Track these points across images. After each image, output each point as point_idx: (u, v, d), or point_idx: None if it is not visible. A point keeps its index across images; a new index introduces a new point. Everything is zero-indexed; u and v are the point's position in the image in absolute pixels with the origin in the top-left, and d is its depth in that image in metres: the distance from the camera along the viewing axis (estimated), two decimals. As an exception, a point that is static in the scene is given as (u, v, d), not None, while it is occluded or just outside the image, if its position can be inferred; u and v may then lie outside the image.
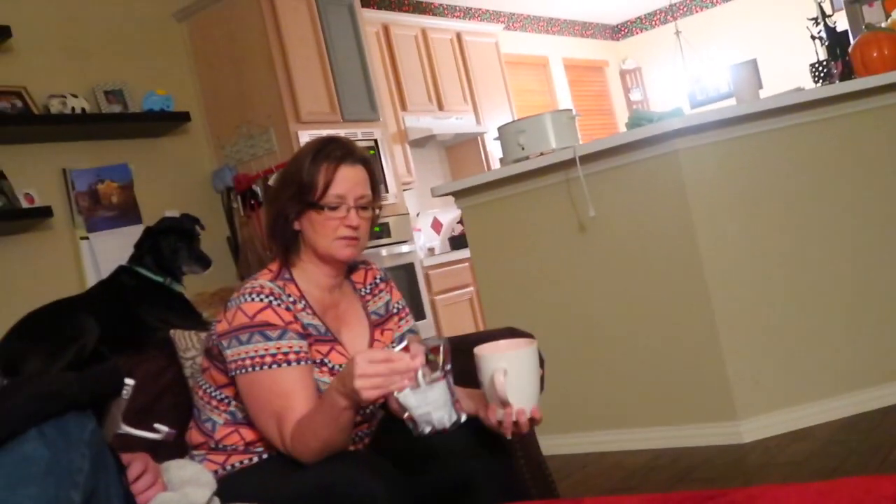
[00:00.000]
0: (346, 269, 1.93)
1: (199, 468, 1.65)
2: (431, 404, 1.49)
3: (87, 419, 1.26)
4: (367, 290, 1.97)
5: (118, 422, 1.42)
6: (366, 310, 1.94)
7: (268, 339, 1.68)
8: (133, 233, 4.33)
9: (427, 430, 1.50)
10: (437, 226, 6.57)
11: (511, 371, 1.56)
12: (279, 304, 1.73)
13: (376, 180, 1.87)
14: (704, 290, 3.22)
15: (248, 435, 1.77)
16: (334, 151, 1.80)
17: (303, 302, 1.80)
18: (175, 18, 5.01)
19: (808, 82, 4.38)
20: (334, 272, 1.87)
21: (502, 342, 1.70)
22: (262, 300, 1.72)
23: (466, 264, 5.62)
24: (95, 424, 1.28)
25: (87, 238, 4.23)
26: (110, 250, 4.21)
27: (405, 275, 5.15)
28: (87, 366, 2.15)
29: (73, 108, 4.21)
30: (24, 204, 3.96)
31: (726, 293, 3.22)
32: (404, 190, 5.71)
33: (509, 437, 1.63)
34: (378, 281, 2.00)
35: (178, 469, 1.60)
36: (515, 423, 1.59)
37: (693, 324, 3.25)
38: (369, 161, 1.86)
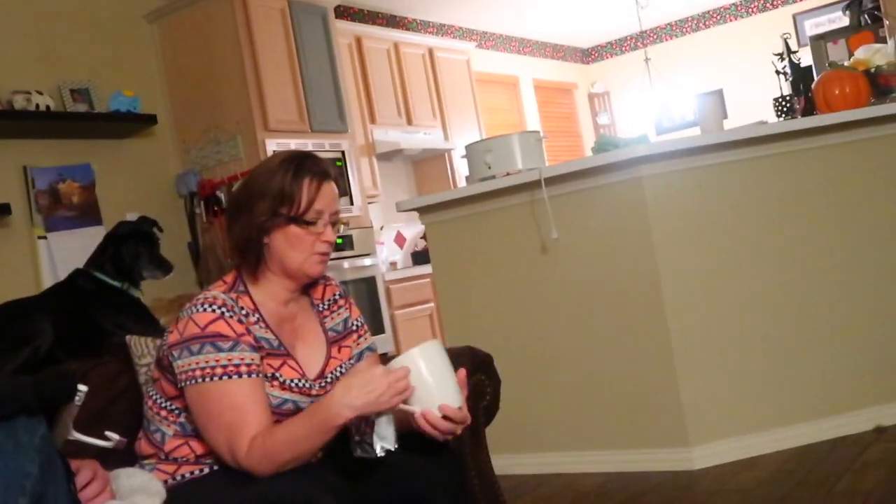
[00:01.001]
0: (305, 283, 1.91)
1: (149, 477, 1.64)
2: (387, 427, 1.60)
3: (37, 424, 1.24)
4: (325, 307, 1.96)
5: (69, 428, 1.40)
6: (322, 326, 1.92)
7: (219, 350, 1.67)
8: (92, 234, 4.32)
9: (378, 451, 1.60)
10: (400, 240, 6.57)
11: (414, 371, 1.61)
12: (231, 316, 1.71)
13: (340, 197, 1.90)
14: (662, 316, 3.25)
15: (198, 448, 1.75)
16: (314, 167, 1.80)
17: (256, 315, 1.78)
18: (146, 20, 4.98)
19: (771, 115, 4.45)
20: (295, 286, 1.85)
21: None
22: (214, 311, 1.70)
23: (428, 280, 5.63)
24: (46, 429, 1.26)
25: (45, 237, 4.18)
26: (68, 250, 4.16)
27: (366, 288, 5.15)
28: (41, 368, 2.12)
29: (37, 105, 4.17)
30: (-18, 200, 3.91)
31: (683, 320, 3.26)
32: (369, 203, 5.71)
33: (441, 440, 1.67)
34: (337, 297, 1.98)
35: (128, 477, 1.58)
36: (436, 427, 1.63)
37: (649, 349, 3.28)
38: (338, 178, 1.88)
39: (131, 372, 2.11)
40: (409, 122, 6.47)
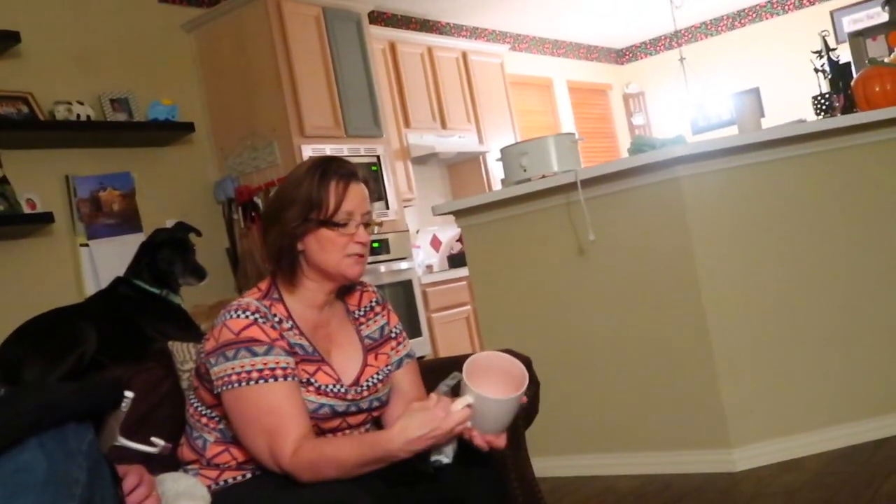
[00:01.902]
0: (340, 289, 1.91)
1: (194, 481, 1.66)
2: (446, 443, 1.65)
3: (85, 430, 1.26)
4: (362, 313, 1.96)
5: (116, 434, 1.42)
6: (359, 333, 1.92)
7: (254, 354, 1.68)
8: (133, 241, 4.33)
9: (435, 463, 1.65)
10: (436, 243, 6.59)
11: (476, 406, 1.62)
12: (265, 322, 1.72)
13: (371, 200, 1.89)
14: (702, 317, 3.23)
15: (239, 455, 1.76)
16: (339, 169, 1.81)
17: (290, 321, 1.79)
18: (184, 29, 5.04)
19: (809, 114, 4.41)
20: (332, 288, 1.86)
21: (497, 357, 1.73)
22: (247, 317, 1.72)
23: (464, 283, 5.63)
24: (94, 436, 1.28)
25: (87, 245, 4.24)
26: (110, 258, 4.22)
27: (403, 292, 5.17)
28: (86, 374, 2.16)
29: (78, 115, 4.23)
30: (26, 209, 3.98)
31: (723, 321, 3.23)
32: (405, 207, 5.73)
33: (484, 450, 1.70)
34: (374, 304, 1.98)
35: (173, 482, 1.60)
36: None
37: (689, 350, 3.26)
38: (368, 179, 1.88)
39: (174, 377, 2.15)
40: (444, 125, 6.49)
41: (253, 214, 4.76)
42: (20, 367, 2.12)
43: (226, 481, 1.77)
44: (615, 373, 3.43)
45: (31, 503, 1.15)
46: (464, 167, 6.85)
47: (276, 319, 1.76)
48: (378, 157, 5.18)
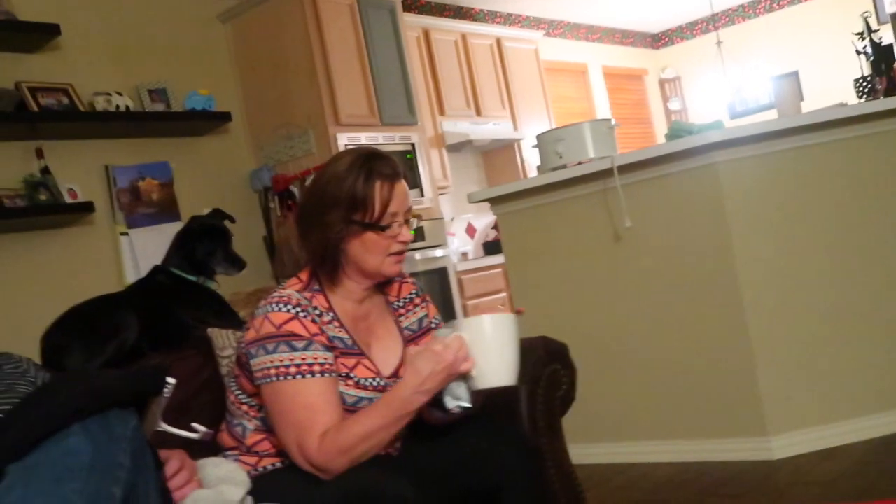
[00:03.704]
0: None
1: (234, 467, 1.68)
2: (458, 387, 1.67)
3: (129, 416, 1.29)
4: (401, 305, 1.96)
5: (158, 419, 1.45)
6: (398, 324, 1.92)
7: (293, 349, 1.69)
8: (171, 230, 4.37)
9: (454, 408, 1.67)
10: (471, 231, 6.59)
11: (471, 337, 1.63)
12: (305, 316, 1.73)
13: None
14: (739, 303, 3.20)
15: (278, 443, 1.76)
16: (385, 168, 1.78)
17: (330, 314, 1.79)
18: (219, 20, 5.07)
19: (851, 97, 4.34)
20: (370, 284, 1.86)
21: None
22: (288, 311, 1.72)
23: (499, 270, 5.63)
24: (137, 421, 1.31)
25: (126, 234, 4.30)
26: (149, 246, 4.28)
27: (438, 279, 5.18)
28: (127, 362, 2.19)
29: (117, 106, 4.29)
30: (68, 199, 4.04)
31: (761, 307, 3.20)
32: (440, 194, 5.73)
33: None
34: (413, 296, 1.98)
35: (214, 467, 1.62)
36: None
37: (726, 337, 3.24)
38: (407, 173, 1.87)
39: (213, 364, 2.17)
40: (478, 112, 6.47)
41: (289, 203, 4.79)
42: (62, 355, 2.15)
43: (265, 468, 1.79)
44: (652, 360, 3.42)
45: (78, 487, 1.18)
46: (498, 154, 6.84)
47: (317, 312, 1.77)
48: (413, 144, 5.19)
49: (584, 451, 3.33)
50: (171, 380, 1.39)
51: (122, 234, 4.30)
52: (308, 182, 4.56)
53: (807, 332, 3.22)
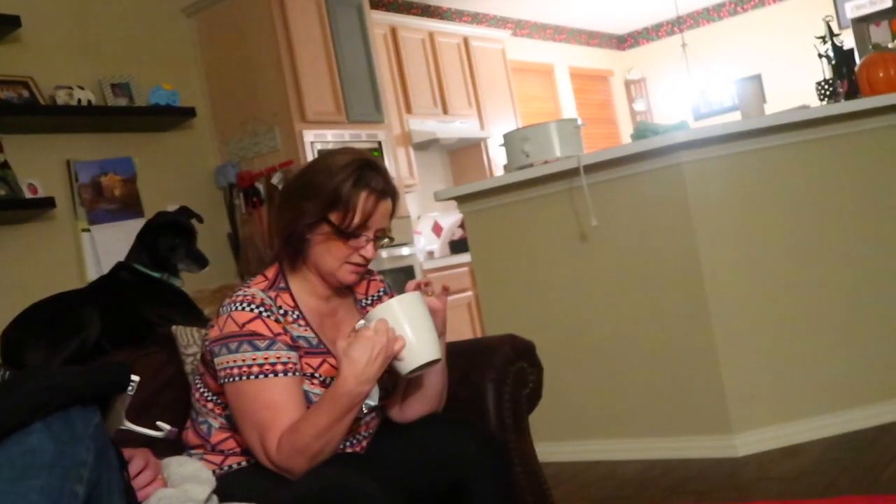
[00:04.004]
0: None
1: (199, 465, 1.66)
2: None
3: (91, 413, 1.27)
4: (369, 303, 1.95)
5: (121, 417, 1.42)
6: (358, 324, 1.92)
7: (256, 348, 1.67)
8: (134, 226, 4.28)
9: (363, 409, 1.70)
10: (437, 229, 6.58)
11: (390, 318, 1.62)
12: (269, 315, 1.71)
13: (394, 213, 1.83)
14: (704, 302, 3.23)
15: (243, 441, 1.74)
16: (376, 182, 1.75)
17: (296, 313, 1.78)
18: (185, 14, 5.02)
19: (813, 100, 4.39)
20: (329, 287, 1.84)
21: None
22: (252, 310, 1.70)
23: (466, 269, 5.63)
24: (100, 419, 1.29)
25: (88, 230, 4.24)
26: (111, 243, 4.22)
27: (404, 277, 5.16)
28: (89, 359, 2.16)
29: (79, 100, 4.22)
30: (28, 194, 3.96)
31: (725, 306, 3.23)
32: (406, 192, 5.72)
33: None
34: (381, 293, 1.97)
35: (178, 466, 1.61)
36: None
37: (691, 336, 3.27)
38: (397, 195, 1.82)
39: (177, 362, 2.15)
40: (445, 111, 6.47)
41: (254, 200, 4.75)
42: (23, 351, 2.12)
43: (230, 466, 1.77)
44: (617, 358, 3.44)
45: (39, 485, 1.16)
46: (465, 153, 6.84)
47: (282, 312, 1.75)
48: (379, 142, 5.17)
49: (550, 449, 3.34)
50: (135, 377, 1.37)
51: (84, 230, 4.23)
52: (294, 169, 4.56)
53: (769, 332, 3.25)
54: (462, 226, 6.13)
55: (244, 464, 1.77)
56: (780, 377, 3.24)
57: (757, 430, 3.19)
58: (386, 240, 1.83)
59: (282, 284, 1.81)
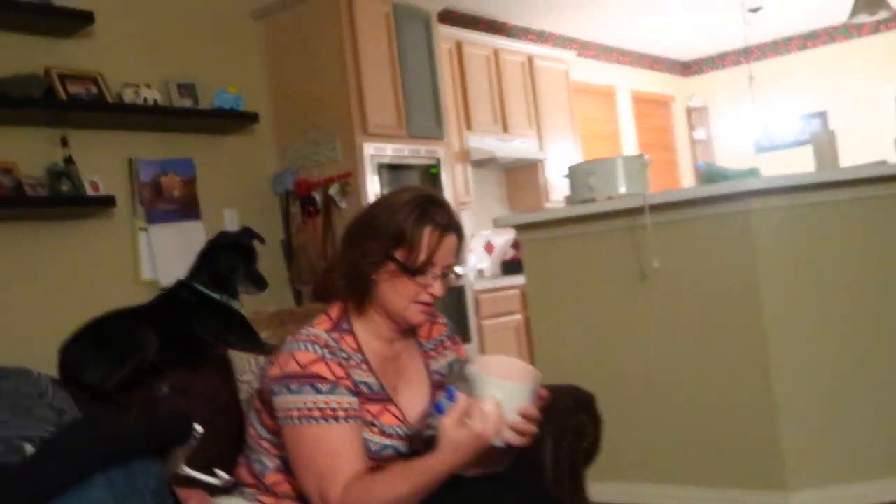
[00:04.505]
0: None
1: (255, 510, 1.63)
2: None
3: (152, 465, 1.24)
4: (432, 347, 1.90)
5: (180, 463, 1.39)
6: (427, 368, 1.86)
7: (318, 391, 1.63)
8: (191, 228, 4.40)
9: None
10: (489, 248, 6.53)
11: (502, 398, 1.55)
12: (332, 358, 1.67)
13: (462, 249, 1.79)
14: (765, 353, 3.14)
15: (299, 486, 1.70)
16: (440, 217, 1.72)
17: (359, 356, 1.74)
18: (253, 17, 5.03)
19: (883, 149, 4.28)
20: (396, 328, 1.80)
21: (497, 360, 1.62)
22: (315, 351, 1.67)
23: (517, 290, 5.57)
24: (159, 469, 1.26)
25: (145, 229, 4.25)
26: (167, 243, 4.24)
27: (454, 296, 5.11)
28: (145, 378, 2.14)
29: (145, 99, 4.24)
30: (90, 191, 3.99)
31: (786, 358, 3.14)
32: (461, 209, 5.67)
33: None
34: (444, 338, 1.92)
35: (234, 508, 1.58)
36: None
37: (750, 386, 3.18)
38: (462, 231, 1.79)
39: (231, 388, 2.12)
40: (505, 129, 6.41)
41: (310, 209, 4.74)
42: (80, 369, 2.10)
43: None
44: (672, 403, 3.36)
45: None
46: (522, 173, 6.78)
47: (344, 355, 1.71)
48: (438, 159, 5.13)
49: (601, 489, 3.26)
50: (199, 428, 1.34)
51: (142, 229, 4.24)
52: (351, 182, 4.55)
53: (832, 388, 3.15)
54: (515, 245, 6.07)
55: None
56: (842, 435, 3.13)
57: (814, 489, 3.09)
58: (452, 276, 1.78)
59: (345, 326, 1.77)
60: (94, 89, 4.10)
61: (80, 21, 4.04)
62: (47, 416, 1.48)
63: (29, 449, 1.34)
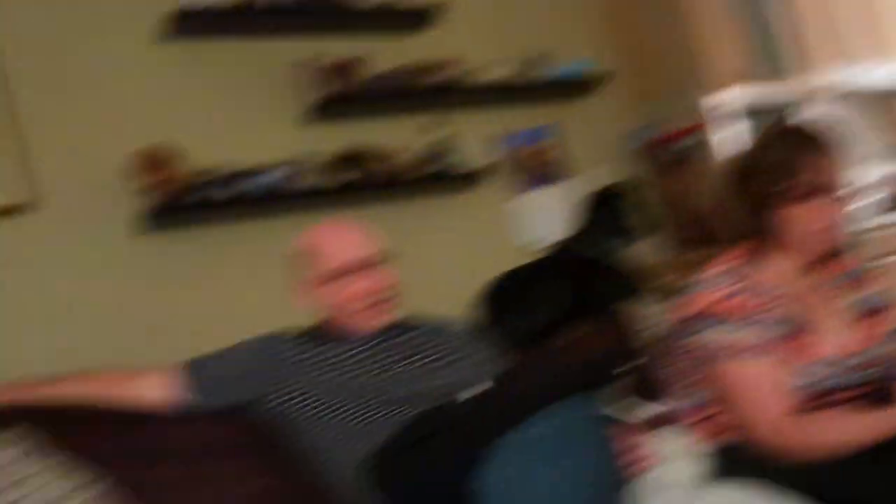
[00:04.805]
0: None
1: (689, 442, 1.64)
2: None
3: (586, 402, 1.29)
4: (847, 279, 1.82)
5: (613, 400, 1.44)
6: (846, 300, 1.79)
7: (731, 329, 1.61)
8: (555, 193, 4.54)
9: None
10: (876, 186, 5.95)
11: None
12: (743, 295, 1.65)
13: (844, 167, 1.74)
14: None
15: (727, 419, 1.69)
16: (822, 141, 1.71)
17: (769, 293, 1.69)
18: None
19: None
20: (805, 261, 1.74)
21: None
22: (727, 288, 1.65)
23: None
24: (593, 405, 1.31)
25: (513, 200, 4.44)
26: (535, 212, 4.43)
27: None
28: (553, 333, 2.23)
29: (500, 76, 4.42)
30: (460, 168, 4.24)
31: None
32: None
33: None
34: (861, 270, 1.84)
35: (668, 441, 1.60)
36: None
37: None
38: (843, 150, 1.73)
39: (631, 337, 2.13)
40: (880, 55, 5.80)
41: (670, 161, 4.70)
42: (505, 312, 2.21)
43: (716, 444, 1.72)
44: None
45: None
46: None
47: (755, 292, 1.68)
48: (800, 99, 4.79)
49: None
50: (632, 363, 1.38)
51: (509, 200, 4.44)
52: (701, 135, 4.43)
53: None
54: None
55: (729, 441, 1.70)
56: None
57: None
58: (847, 202, 1.73)
59: (750, 265, 1.73)
60: (452, 73, 4.33)
61: (436, 12, 4.29)
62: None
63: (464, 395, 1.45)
